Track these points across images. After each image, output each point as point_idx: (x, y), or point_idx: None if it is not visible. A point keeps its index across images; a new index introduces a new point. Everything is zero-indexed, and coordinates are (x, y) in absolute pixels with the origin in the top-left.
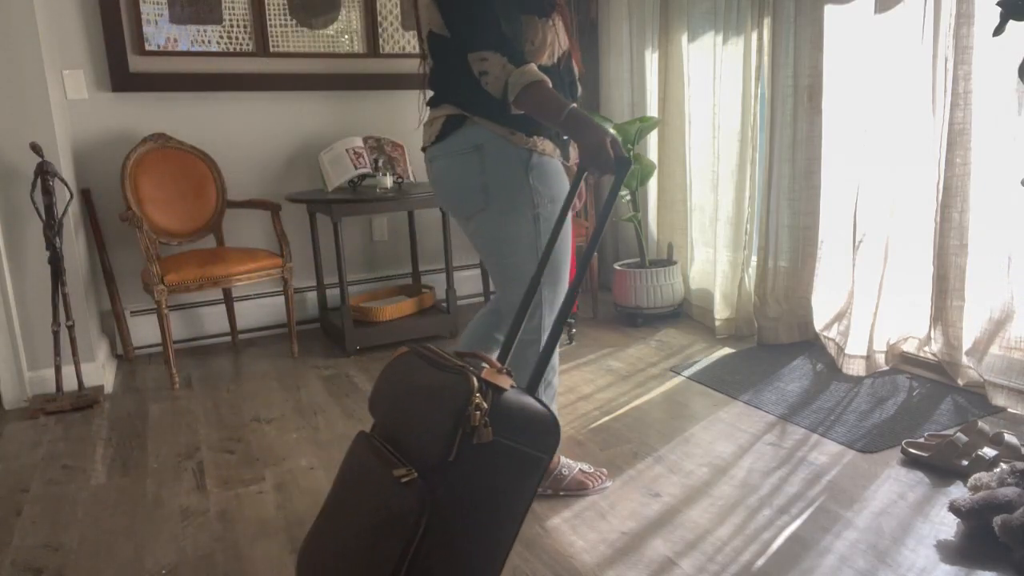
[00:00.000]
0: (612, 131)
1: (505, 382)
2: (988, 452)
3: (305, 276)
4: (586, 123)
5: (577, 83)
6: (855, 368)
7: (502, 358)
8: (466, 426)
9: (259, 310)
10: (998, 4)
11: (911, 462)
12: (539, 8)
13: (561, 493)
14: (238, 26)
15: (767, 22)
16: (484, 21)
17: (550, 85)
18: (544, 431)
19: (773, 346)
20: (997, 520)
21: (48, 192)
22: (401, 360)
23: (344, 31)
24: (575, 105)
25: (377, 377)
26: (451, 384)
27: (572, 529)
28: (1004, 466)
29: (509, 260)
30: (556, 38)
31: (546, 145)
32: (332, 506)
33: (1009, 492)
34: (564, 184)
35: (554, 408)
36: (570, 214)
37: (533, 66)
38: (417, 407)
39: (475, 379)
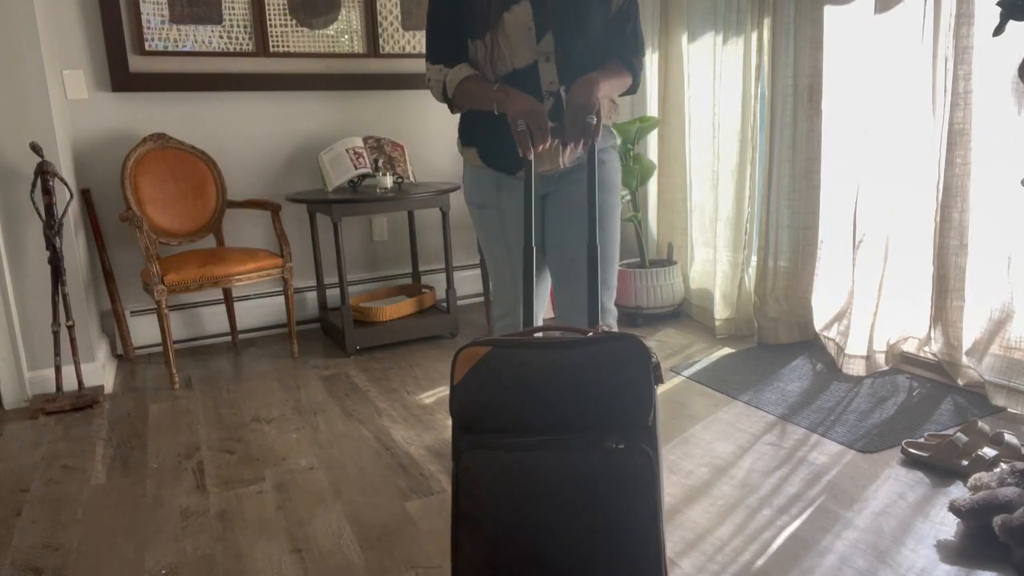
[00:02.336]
0: (561, 95)
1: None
2: (988, 452)
3: (305, 276)
4: (514, 95)
5: (548, 97)
6: (855, 368)
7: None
8: (656, 380)
9: (259, 310)
10: (998, 4)
11: (911, 462)
12: (471, 31)
13: None
14: (238, 26)
15: (767, 22)
16: (428, 38)
17: (479, 76)
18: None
19: (773, 346)
20: (997, 520)
21: (48, 192)
22: (504, 357)
23: (344, 31)
24: (500, 85)
25: (471, 387)
26: (626, 349)
27: None
28: (1004, 466)
29: (486, 260)
30: (500, 55)
31: (470, 155)
32: (518, 528)
33: (1009, 492)
34: (485, 190)
35: None
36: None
37: (465, 65)
38: (593, 384)
39: (640, 339)
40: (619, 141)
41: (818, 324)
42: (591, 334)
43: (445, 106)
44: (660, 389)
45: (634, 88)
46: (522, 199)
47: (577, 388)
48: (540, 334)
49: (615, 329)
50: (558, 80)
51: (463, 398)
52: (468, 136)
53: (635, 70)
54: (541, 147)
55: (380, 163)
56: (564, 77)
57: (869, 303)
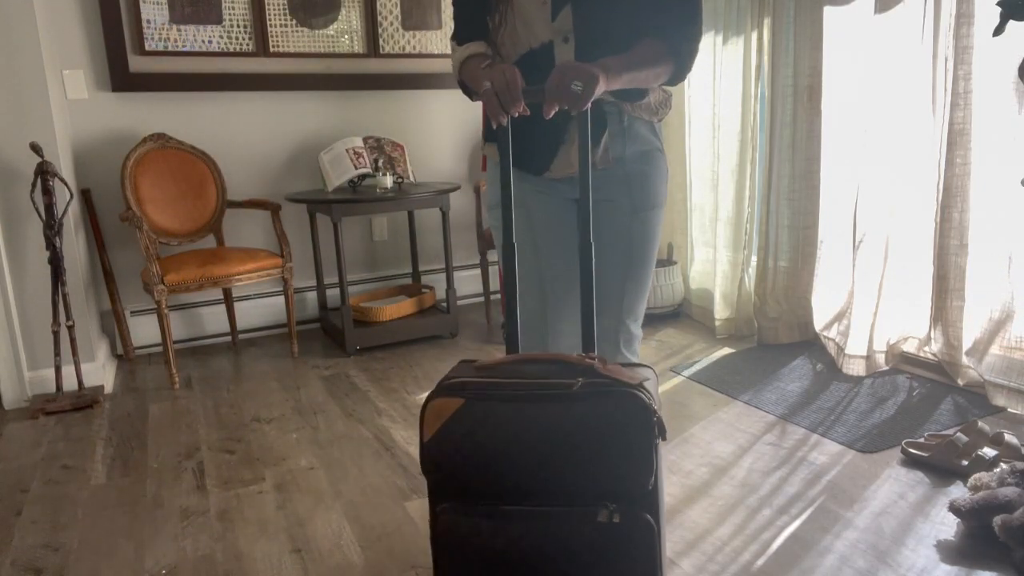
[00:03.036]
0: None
1: (636, 376)
2: (988, 452)
3: (305, 276)
4: (497, 68)
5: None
6: (855, 368)
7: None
8: (658, 437)
9: (259, 310)
10: (998, 4)
11: (911, 462)
12: (488, 6)
13: None
14: (238, 26)
15: (767, 22)
16: (454, 14)
17: (487, 56)
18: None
19: (773, 346)
20: (997, 520)
21: (48, 192)
22: (479, 415)
23: (344, 31)
24: (492, 62)
25: (443, 446)
26: (623, 410)
27: None
28: (1004, 466)
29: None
30: (514, 34)
31: (491, 151)
32: None
33: (1009, 492)
34: (498, 189)
35: None
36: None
37: (475, 43)
38: (582, 452)
39: (639, 393)
40: (663, 144)
41: (818, 324)
42: (588, 362)
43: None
44: (661, 388)
45: (678, 77)
46: (552, 202)
47: (564, 457)
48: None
49: (635, 357)
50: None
51: (435, 456)
52: (490, 131)
53: (680, 54)
54: (514, 111)
55: (380, 163)
56: (584, 61)
57: (869, 303)
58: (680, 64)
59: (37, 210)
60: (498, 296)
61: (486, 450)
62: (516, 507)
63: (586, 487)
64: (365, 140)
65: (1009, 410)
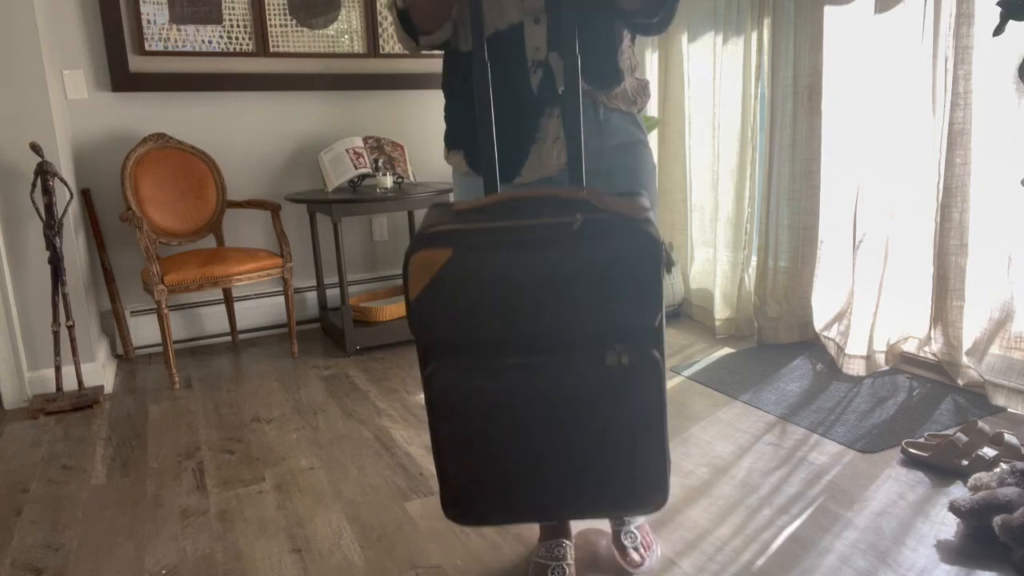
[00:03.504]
0: None
1: (637, 207)
2: (988, 452)
3: (305, 276)
4: None
5: (536, 68)
6: (855, 368)
7: None
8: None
9: (259, 310)
10: (998, 4)
11: (911, 462)
12: None
13: None
14: (238, 26)
15: (767, 22)
16: None
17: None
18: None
19: (773, 346)
20: (997, 520)
21: (48, 192)
22: (471, 266)
23: (344, 31)
24: None
25: (433, 304)
26: (632, 248)
27: (572, 528)
28: (1004, 466)
29: None
30: (466, 10)
31: (456, 160)
32: (505, 446)
33: (1009, 492)
34: (470, 197)
35: None
36: None
37: None
38: (588, 296)
39: (644, 226)
40: (647, 137)
41: (818, 324)
42: (582, 196)
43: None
44: None
45: (663, 19)
46: None
47: (568, 302)
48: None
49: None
50: (546, 46)
51: (424, 315)
52: (453, 139)
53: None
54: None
55: (380, 163)
56: (556, 42)
57: (869, 303)
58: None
59: (37, 210)
60: None
61: (481, 304)
62: (516, 360)
63: (591, 331)
64: (365, 140)
65: (1009, 410)
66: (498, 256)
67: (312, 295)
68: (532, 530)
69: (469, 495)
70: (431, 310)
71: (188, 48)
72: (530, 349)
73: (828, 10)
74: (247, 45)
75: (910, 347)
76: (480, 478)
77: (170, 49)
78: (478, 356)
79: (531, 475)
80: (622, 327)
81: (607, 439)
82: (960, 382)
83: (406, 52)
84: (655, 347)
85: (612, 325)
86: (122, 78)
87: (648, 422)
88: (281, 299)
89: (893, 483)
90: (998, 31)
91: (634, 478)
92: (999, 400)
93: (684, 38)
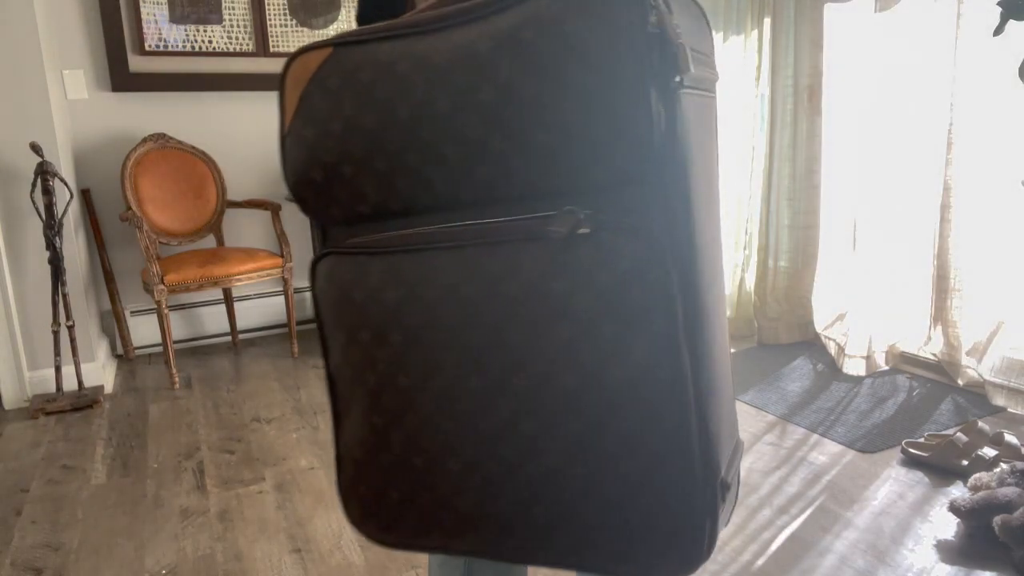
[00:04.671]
0: None
1: None
2: (988, 452)
3: (305, 276)
4: None
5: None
6: (855, 368)
7: None
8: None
9: (259, 310)
10: (998, 4)
11: (911, 462)
12: None
13: None
14: (238, 26)
15: (767, 22)
16: None
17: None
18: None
19: (773, 346)
20: (997, 520)
21: (48, 192)
22: (356, 62)
23: (344, 31)
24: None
25: (308, 132)
26: (588, 7)
27: None
28: (1004, 466)
29: None
30: None
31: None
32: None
33: (1009, 492)
34: None
35: None
36: None
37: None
38: (528, 91)
39: None
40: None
41: (818, 324)
42: None
43: None
44: None
45: None
46: None
47: (496, 117)
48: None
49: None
50: None
51: (297, 154)
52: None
53: None
54: None
55: None
56: None
57: (869, 303)
58: None
59: (37, 210)
60: None
61: (371, 124)
62: (427, 226)
63: (541, 173)
64: None
65: (1009, 410)
66: (390, 48)
67: None
68: None
69: (371, 486)
70: (303, 143)
71: (188, 48)
72: (453, 205)
73: (828, 9)
74: (247, 45)
75: (910, 347)
76: (383, 455)
77: (170, 49)
78: (377, 217)
79: (469, 465)
80: (597, 164)
81: (578, 379)
82: (960, 382)
83: None
84: (669, 187)
85: (576, 161)
86: (122, 78)
87: (664, 356)
88: (281, 299)
89: (893, 483)
90: (998, 31)
91: (640, 451)
92: (999, 400)
93: None
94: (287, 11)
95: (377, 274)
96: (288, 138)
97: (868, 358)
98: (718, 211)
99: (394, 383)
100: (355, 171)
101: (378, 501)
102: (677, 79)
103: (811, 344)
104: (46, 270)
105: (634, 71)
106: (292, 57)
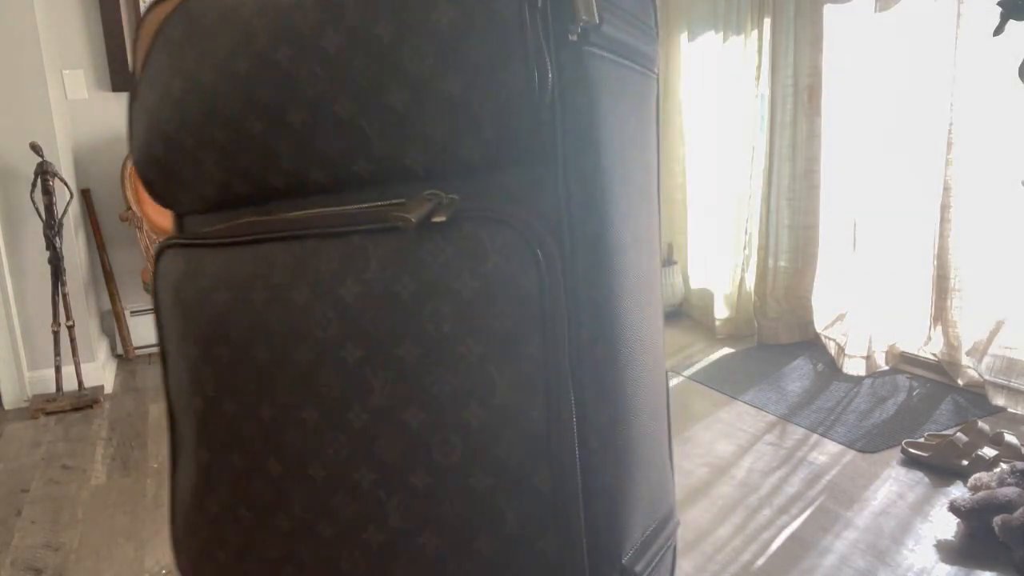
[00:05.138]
0: None
1: None
2: (988, 452)
3: None
4: None
5: None
6: (855, 368)
7: None
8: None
9: None
10: (998, 4)
11: (911, 462)
12: None
13: None
14: None
15: (767, 22)
16: None
17: None
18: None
19: (773, 346)
20: (997, 520)
21: (48, 192)
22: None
23: None
24: None
25: (152, 97)
26: None
27: None
28: (1004, 466)
29: None
30: None
31: None
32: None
33: (1009, 492)
34: None
35: None
36: None
37: None
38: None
39: None
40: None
41: (818, 324)
42: None
43: None
44: None
45: None
46: None
47: (343, 53)
48: None
49: None
50: None
51: (140, 125)
52: None
53: None
54: None
55: None
56: None
57: (869, 303)
58: None
59: (37, 210)
60: None
61: (206, 79)
62: (270, 215)
63: (396, 145)
64: None
65: (1009, 410)
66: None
67: None
68: None
69: (198, 541)
70: (146, 108)
71: None
72: (305, 179)
73: (828, 10)
74: None
75: (910, 347)
76: (210, 502)
77: None
78: (227, 208)
79: (299, 524)
80: (461, 129)
81: (443, 401)
82: (960, 382)
83: None
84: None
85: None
86: (122, 78)
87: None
88: None
89: (893, 483)
90: (998, 31)
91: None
92: (999, 400)
93: (684, 38)
94: None
95: (210, 272)
96: (134, 107)
97: (868, 358)
98: (654, 210)
99: (220, 409)
100: (196, 142)
101: (206, 561)
102: (578, 31)
103: (811, 344)
104: (46, 270)
105: (512, 10)
106: (148, 9)
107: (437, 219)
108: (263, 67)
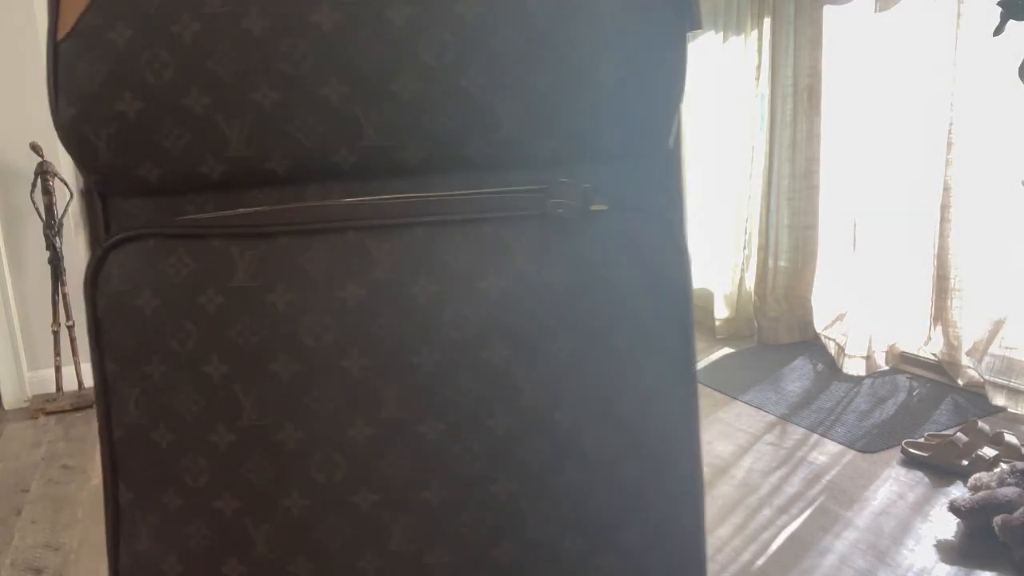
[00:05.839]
0: None
1: None
2: (988, 452)
3: None
4: None
5: None
6: (855, 368)
7: None
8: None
9: None
10: (998, 4)
11: (911, 462)
12: None
13: None
14: None
15: (767, 22)
16: None
17: None
18: None
19: (773, 346)
20: (997, 520)
21: (48, 192)
22: None
23: None
24: None
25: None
26: None
27: None
28: (1004, 466)
29: None
30: None
31: None
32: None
33: (1009, 492)
34: None
35: None
36: None
37: None
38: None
39: None
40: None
41: (818, 324)
42: None
43: None
44: None
45: None
46: None
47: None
48: None
49: None
50: None
51: (90, 69)
52: None
53: None
54: None
55: None
56: None
57: (869, 303)
58: None
59: (37, 210)
60: None
61: (251, 22)
62: (333, 202)
63: (532, 128)
64: None
65: (1009, 410)
66: None
67: None
68: None
69: None
70: (107, 48)
71: None
72: (386, 160)
73: (828, 9)
74: None
75: (910, 347)
76: (229, 567)
77: None
78: (217, 189)
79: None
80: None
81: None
82: (960, 382)
83: None
84: (667, 181)
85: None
86: None
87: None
88: None
89: (893, 483)
90: (998, 31)
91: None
92: (999, 400)
93: None
94: None
95: (248, 269)
96: (70, 44)
97: (868, 358)
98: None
99: (268, 439)
100: (214, 102)
101: None
102: (689, 36)
103: (811, 344)
104: (46, 270)
105: (671, 8)
106: None
107: (596, 208)
108: (345, 6)
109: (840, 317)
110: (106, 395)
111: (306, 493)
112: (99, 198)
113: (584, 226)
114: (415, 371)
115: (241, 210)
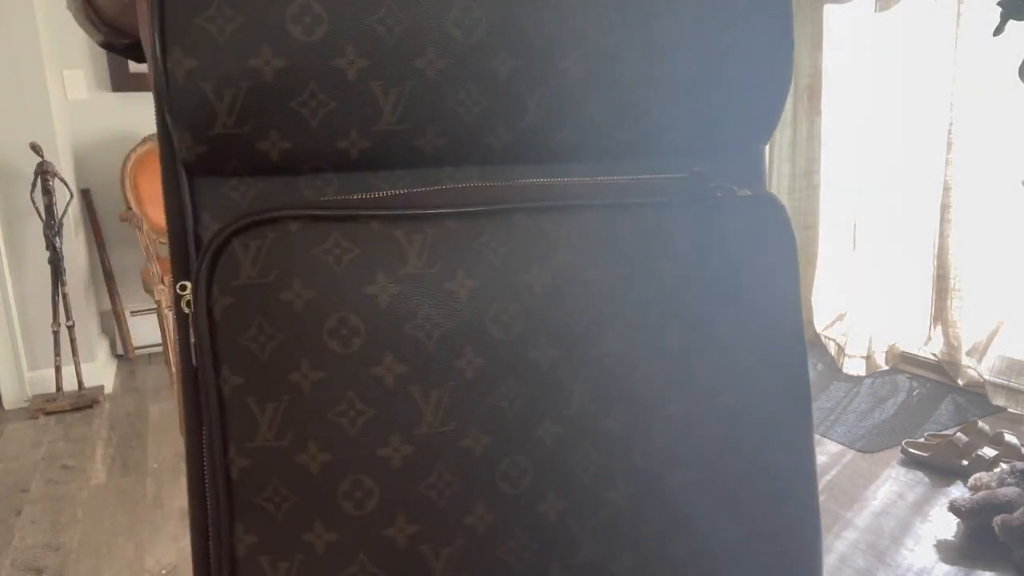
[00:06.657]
0: None
1: None
2: (988, 452)
3: None
4: None
5: None
6: (855, 368)
7: None
8: None
9: None
10: (998, 4)
11: (911, 462)
12: None
13: None
14: None
15: None
16: None
17: None
18: None
19: None
20: (997, 520)
21: (48, 192)
22: None
23: None
24: None
25: None
26: None
27: None
28: (1004, 466)
29: None
30: None
31: None
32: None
33: (1009, 492)
34: None
35: None
36: None
37: None
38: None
39: None
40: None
41: (818, 324)
42: None
43: None
44: None
45: None
46: None
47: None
48: None
49: None
50: None
51: (240, 40)
52: None
53: None
54: None
55: None
56: None
57: (869, 303)
58: None
59: (37, 210)
60: None
61: None
62: (518, 182)
63: (670, 118)
64: None
65: (1009, 410)
66: None
67: None
68: None
69: None
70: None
71: None
72: (532, 144)
73: (828, 9)
74: None
75: (910, 347)
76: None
77: None
78: (344, 170)
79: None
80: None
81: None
82: (960, 382)
83: None
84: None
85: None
86: (122, 78)
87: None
88: None
89: (893, 483)
90: (998, 31)
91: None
92: (999, 400)
93: None
94: None
95: (419, 253)
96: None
97: (868, 358)
98: None
99: (455, 444)
100: (372, 66)
101: None
102: None
103: (811, 344)
104: (46, 270)
105: (784, 7)
106: None
107: (743, 193)
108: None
109: (840, 317)
110: (223, 417)
111: (491, 507)
112: (187, 176)
113: (729, 212)
114: (601, 360)
115: (391, 192)
